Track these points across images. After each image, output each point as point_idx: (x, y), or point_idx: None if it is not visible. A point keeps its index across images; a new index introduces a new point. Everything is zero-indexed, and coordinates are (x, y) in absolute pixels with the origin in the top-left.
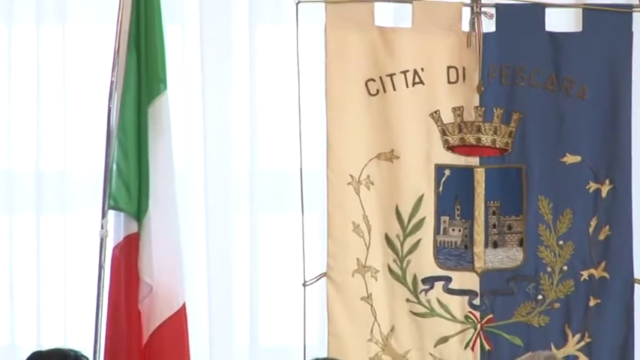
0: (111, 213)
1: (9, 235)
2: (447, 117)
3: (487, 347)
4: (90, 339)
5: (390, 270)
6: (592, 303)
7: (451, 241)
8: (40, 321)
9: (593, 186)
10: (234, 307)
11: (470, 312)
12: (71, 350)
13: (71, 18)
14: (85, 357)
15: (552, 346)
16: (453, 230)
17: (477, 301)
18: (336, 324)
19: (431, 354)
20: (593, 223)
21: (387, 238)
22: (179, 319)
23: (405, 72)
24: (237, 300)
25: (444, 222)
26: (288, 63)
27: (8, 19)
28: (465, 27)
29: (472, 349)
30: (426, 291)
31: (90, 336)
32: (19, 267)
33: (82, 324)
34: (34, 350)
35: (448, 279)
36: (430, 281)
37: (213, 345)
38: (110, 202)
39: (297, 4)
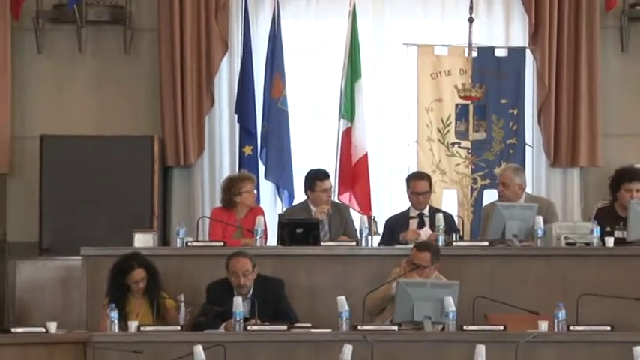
0: (341, 120)
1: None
2: (460, 86)
3: (472, 167)
4: (333, 163)
5: (439, 140)
6: (510, 152)
7: (461, 130)
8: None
9: (511, 110)
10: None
11: (467, 155)
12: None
13: (330, 45)
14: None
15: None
16: (462, 126)
17: (470, 150)
18: (420, 161)
19: (453, 171)
20: (511, 123)
21: (438, 129)
22: (365, 159)
23: (445, 70)
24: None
25: (459, 123)
26: (402, 65)
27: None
28: (466, 54)
29: (467, 167)
30: (451, 148)
31: (333, 162)
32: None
33: (330, 159)
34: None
35: (459, 143)
36: (453, 144)
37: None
38: (341, 115)
39: (407, 47)
